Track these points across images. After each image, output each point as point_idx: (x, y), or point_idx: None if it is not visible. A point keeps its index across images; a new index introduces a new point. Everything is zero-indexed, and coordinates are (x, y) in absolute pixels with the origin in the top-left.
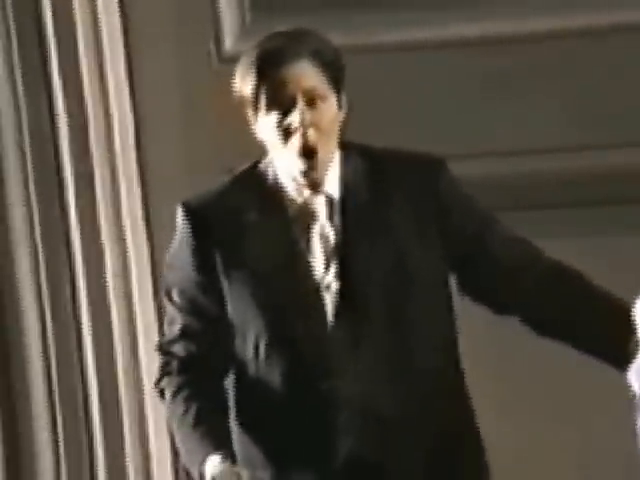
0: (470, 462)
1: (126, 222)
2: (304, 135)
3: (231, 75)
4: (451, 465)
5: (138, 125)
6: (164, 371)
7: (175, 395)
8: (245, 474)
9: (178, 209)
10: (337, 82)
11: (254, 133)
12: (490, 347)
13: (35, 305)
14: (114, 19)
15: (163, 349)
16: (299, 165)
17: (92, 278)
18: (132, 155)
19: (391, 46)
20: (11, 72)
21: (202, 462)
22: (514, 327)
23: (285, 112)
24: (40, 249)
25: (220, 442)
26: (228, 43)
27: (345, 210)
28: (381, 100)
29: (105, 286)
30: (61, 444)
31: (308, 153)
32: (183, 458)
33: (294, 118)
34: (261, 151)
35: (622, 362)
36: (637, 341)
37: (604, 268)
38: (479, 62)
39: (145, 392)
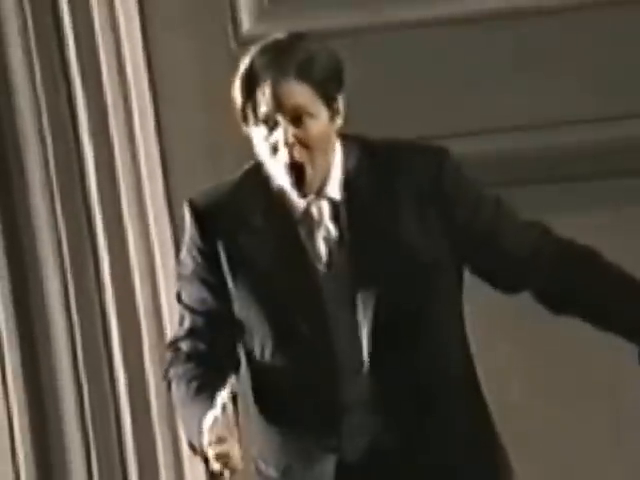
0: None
1: (148, 205)
2: (290, 153)
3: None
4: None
5: (157, 107)
6: (171, 364)
7: (180, 380)
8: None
9: (185, 208)
10: (329, 94)
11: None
12: (517, 317)
13: (60, 290)
14: (131, 0)
15: (172, 346)
16: (287, 180)
17: (116, 267)
18: (152, 138)
19: (411, 22)
20: (28, 56)
21: (201, 421)
22: None
23: (267, 129)
24: (64, 238)
25: None
26: (246, 24)
27: (350, 211)
28: (399, 76)
29: (129, 264)
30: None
31: (295, 169)
32: (185, 433)
33: (278, 136)
34: None
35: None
36: None
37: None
38: (499, 35)
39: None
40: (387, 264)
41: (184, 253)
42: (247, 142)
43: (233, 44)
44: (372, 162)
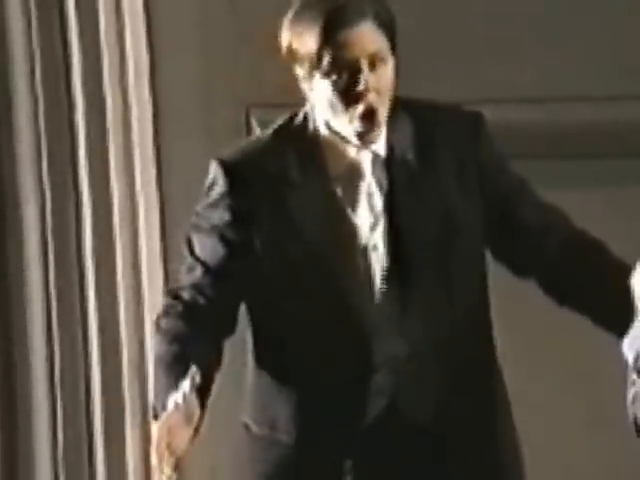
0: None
1: (136, 155)
2: (367, 99)
3: (249, 4)
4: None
5: (153, 55)
6: (166, 312)
7: (164, 336)
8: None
9: (212, 165)
10: (393, 42)
11: (296, 82)
12: (503, 299)
13: (39, 251)
14: None
15: (171, 293)
16: (357, 127)
17: (99, 215)
18: (145, 83)
19: None
20: (25, 4)
21: (166, 396)
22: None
23: (347, 75)
24: (46, 180)
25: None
26: None
27: (391, 168)
28: (412, 40)
29: (111, 223)
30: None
31: (369, 115)
32: (153, 397)
33: (357, 82)
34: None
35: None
36: (636, 311)
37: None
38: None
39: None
40: (425, 224)
41: (205, 205)
42: (243, 92)
43: None
44: (413, 123)
